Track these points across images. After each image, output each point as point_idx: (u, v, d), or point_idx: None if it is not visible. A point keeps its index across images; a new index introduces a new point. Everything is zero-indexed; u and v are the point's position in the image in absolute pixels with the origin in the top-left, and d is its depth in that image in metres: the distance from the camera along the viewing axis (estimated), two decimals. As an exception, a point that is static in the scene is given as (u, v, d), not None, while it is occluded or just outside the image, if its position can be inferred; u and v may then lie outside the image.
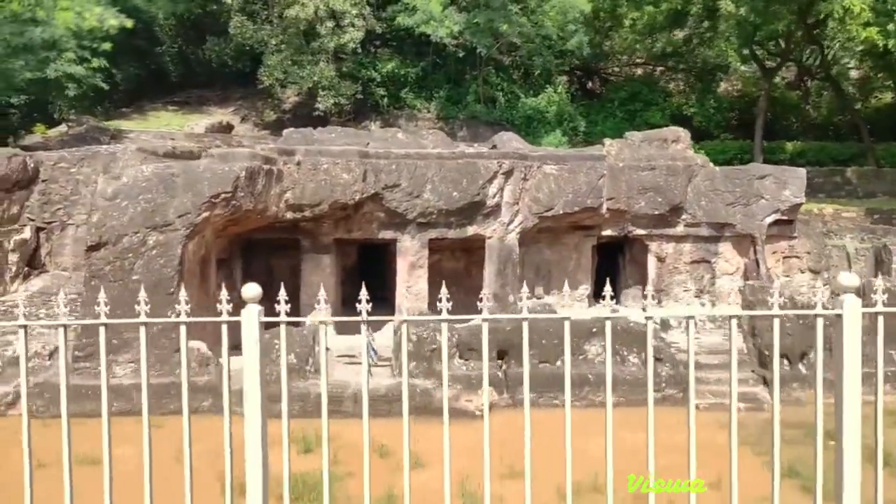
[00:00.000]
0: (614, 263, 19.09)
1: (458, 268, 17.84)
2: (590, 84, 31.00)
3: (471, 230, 16.10)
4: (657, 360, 11.95)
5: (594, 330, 12.54)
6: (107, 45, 23.70)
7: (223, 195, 12.23)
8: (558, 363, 11.94)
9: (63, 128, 24.07)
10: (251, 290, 3.01)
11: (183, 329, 3.19)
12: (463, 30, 23.87)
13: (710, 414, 10.77)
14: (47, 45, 21.34)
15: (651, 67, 29.60)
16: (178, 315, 3.23)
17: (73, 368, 11.45)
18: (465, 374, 11.85)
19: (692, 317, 3.05)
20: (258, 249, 16.06)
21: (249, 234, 15.25)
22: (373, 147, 16.06)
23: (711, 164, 18.56)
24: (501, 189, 16.12)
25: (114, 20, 24.09)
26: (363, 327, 3.08)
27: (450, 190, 15.65)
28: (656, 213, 17.32)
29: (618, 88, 28.78)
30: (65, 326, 3.25)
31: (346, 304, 16.15)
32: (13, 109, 26.16)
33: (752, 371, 13.68)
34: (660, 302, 17.52)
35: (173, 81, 29.78)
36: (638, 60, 29.77)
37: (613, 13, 26.07)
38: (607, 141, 18.59)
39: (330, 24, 23.75)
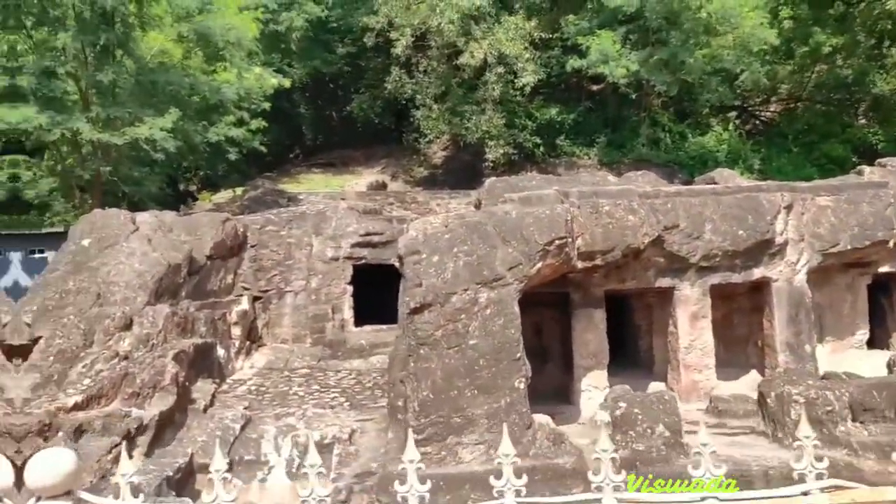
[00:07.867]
0: (874, 303, 16.91)
1: (716, 317, 15.79)
2: (753, 119, 29.29)
3: (757, 273, 14.10)
4: None
5: None
6: (266, 105, 22.67)
7: (557, 241, 10.47)
8: None
9: (228, 193, 22.85)
10: None
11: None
12: (640, 68, 22.41)
13: None
14: (222, 106, 20.31)
15: (823, 97, 27.74)
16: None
17: (416, 455, 9.53)
18: (874, 441, 9.70)
19: None
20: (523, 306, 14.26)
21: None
22: (638, 186, 14.36)
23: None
24: (786, 225, 14.21)
25: (273, 80, 23.18)
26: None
27: (734, 228, 13.73)
28: (941, 244, 15.22)
29: (790, 121, 26.99)
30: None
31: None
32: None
33: None
34: (956, 346, 15.21)
35: (310, 143, 28.74)
36: (809, 91, 27.93)
37: (805, 42, 24.46)
38: (867, 168, 16.67)
39: (500, 69, 22.46)
